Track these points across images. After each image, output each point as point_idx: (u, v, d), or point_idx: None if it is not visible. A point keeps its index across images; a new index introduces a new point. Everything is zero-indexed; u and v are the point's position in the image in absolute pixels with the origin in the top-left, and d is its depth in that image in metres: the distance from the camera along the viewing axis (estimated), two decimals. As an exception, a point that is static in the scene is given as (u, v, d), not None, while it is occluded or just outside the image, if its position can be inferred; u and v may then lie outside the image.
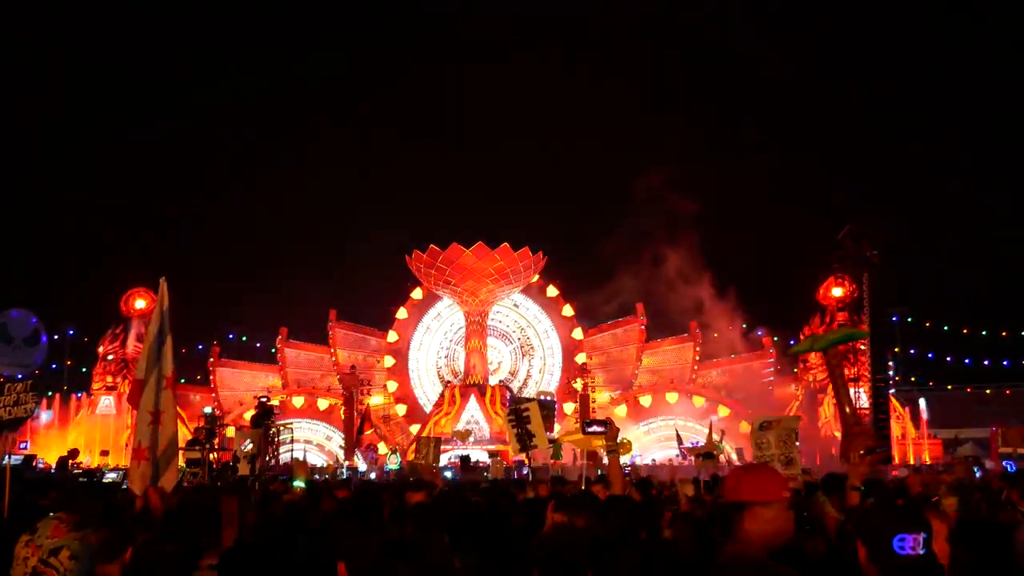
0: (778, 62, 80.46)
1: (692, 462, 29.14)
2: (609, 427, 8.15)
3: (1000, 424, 34.93)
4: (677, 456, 40.38)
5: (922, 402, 50.98)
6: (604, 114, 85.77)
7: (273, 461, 37.02)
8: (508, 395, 52.38)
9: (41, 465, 33.08)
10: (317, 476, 31.76)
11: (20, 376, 8.98)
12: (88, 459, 41.09)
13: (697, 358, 57.14)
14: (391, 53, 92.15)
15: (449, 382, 57.81)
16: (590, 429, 10.09)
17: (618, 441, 8.00)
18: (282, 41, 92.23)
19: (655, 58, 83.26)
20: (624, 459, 32.39)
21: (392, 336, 61.35)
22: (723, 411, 50.67)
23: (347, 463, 46.49)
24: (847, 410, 6.26)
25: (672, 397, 54.44)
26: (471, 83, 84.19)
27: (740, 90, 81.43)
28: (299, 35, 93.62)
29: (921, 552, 3.29)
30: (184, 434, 44.88)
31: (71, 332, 57.86)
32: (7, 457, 8.25)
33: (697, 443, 32.65)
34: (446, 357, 61.73)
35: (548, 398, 18.03)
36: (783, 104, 78.59)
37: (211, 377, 57.70)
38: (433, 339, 62.11)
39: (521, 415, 15.10)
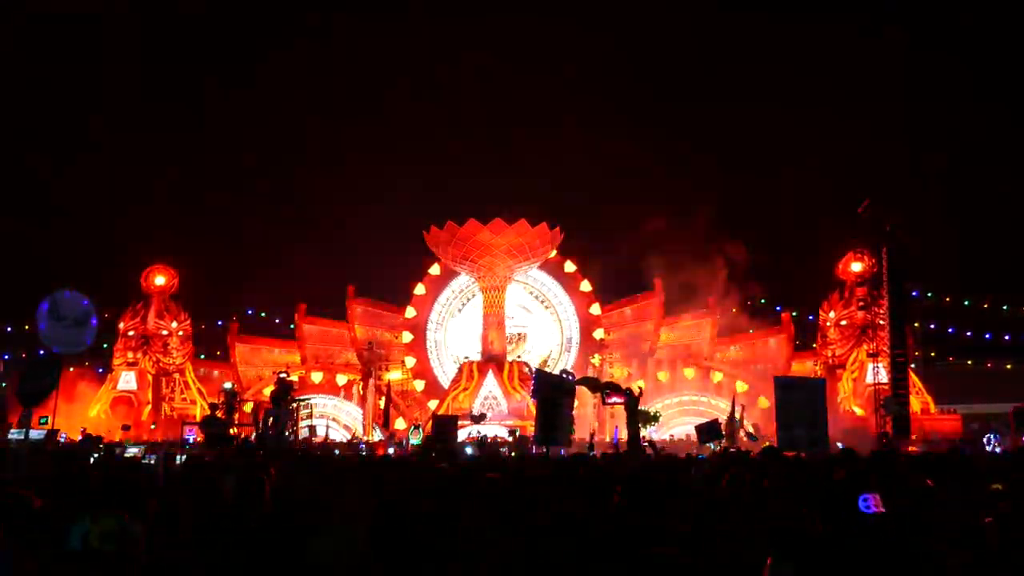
0: (801, 28, 79.46)
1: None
2: (630, 395, 8.14)
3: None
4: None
5: None
6: (621, 90, 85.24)
7: (292, 436, 37.34)
8: (527, 370, 52.23)
9: (64, 439, 33.43)
10: (337, 452, 31.97)
11: (56, 350, 9.19)
12: (109, 433, 41.50)
13: (715, 333, 57.03)
14: (407, 33, 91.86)
15: (467, 358, 57.89)
16: (610, 400, 10.08)
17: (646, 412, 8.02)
18: (298, 21, 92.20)
19: (672, 31, 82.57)
20: (642, 432, 32.41)
21: (410, 312, 61.47)
22: (741, 386, 50.58)
23: (365, 438, 46.79)
24: None
25: (690, 372, 54.37)
26: (489, 60, 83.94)
27: (759, 58, 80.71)
28: (318, 15, 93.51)
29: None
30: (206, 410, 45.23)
31: (91, 308, 58.21)
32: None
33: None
34: (464, 333, 61.76)
35: (570, 377, 18.02)
36: (803, 72, 77.88)
37: (230, 353, 58.11)
38: (451, 315, 62.18)
39: (556, 403, 14.92)
